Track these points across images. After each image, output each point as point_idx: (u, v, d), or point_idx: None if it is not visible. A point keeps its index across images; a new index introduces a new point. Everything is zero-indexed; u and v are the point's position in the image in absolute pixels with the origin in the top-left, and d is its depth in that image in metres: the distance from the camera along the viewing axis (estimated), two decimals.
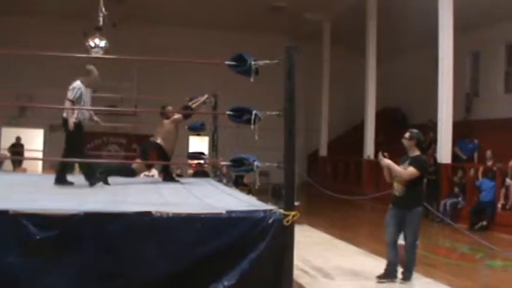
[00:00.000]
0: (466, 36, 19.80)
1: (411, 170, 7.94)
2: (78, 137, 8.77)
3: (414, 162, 8.01)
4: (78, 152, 8.77)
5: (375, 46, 22.54)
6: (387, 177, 8.36)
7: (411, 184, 8.02)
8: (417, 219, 8.07)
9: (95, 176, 8.79)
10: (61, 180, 8.63)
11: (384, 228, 8.35)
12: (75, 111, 8.54)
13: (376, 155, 8.56)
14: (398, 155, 8.34)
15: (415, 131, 8.24)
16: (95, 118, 9.64)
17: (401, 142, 8.29)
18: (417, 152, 8.13)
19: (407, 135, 8.18)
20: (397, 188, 8.16)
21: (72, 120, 8.48)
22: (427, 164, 8.90)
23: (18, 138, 23.33)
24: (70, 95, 8.54)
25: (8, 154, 21.36)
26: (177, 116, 10.31)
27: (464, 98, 21.91)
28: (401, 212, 8.05)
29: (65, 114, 8.59)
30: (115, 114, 22.75)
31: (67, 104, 8.51)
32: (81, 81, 8.74)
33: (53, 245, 4.94)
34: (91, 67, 8.96)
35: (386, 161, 8.17)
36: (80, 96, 8.58)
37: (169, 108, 10.51)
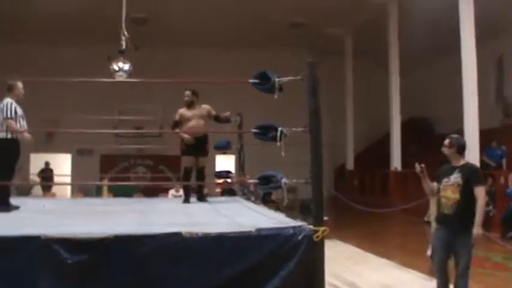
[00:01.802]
0: (489, 42, 19.68)
1: (479, 193, 6.61)
2: (12, 156, 8.25)
3: (468, 175, 6.74)
4: (10, 174, 8.24)
5: (397, 57, 22.50)
6: (428, 192, 7.33)
7: (466, 198, 6.66)
8: (472, 240, 6.64)
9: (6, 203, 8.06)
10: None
11: (432, 253, 7.16)
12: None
13: (411, 167, 7.35)
14: (430, 165, 7.60)
15: (454, 136, 7.14)
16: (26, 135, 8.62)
17: (432, 152, 7.62)
18: (463, 160, 6.96)
19: (446, 142, 7.06)
20: (446, 204, 6.88)
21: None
22: (480, 171, 7.44)
23: (47, 164, 23.57)
24: (6, 113, 8.01)
25: (38, 179, 21.58)
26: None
27: (501, 102, 21.63)
28: (452, 233, 6.75)
29: (3, 135, 8.07)
30: (141, 136, 22.95)
31: (10, 124, 8.00)
32: (10, 97, 8.22)
33: (84, 269, 4.95)
34: (12, 81, 8.33)
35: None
36: (16, 113, 8.13)
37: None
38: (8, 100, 8.18)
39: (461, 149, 6.95)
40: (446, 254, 6.81)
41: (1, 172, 8.02)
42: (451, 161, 7.00)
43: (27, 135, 8.46)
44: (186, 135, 9.91)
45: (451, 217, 6.77)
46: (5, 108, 8.07)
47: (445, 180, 6.87)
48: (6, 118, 8.02)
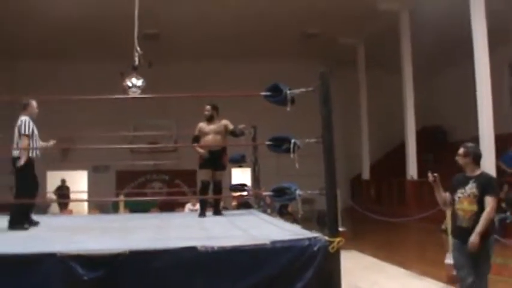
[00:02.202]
0: (502, 48, 19.62)
1: (490, 202, 6.28)
2: (30, 176, 8.33)
3: (484, 185, 6.36)
4: (30, 192, 8.31)
5: (411, 65, 22.40)
6: (441, 203, 6.85)
7: (483, 207, 6.30)
8: (491, 250, 6.42)
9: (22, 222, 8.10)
10: (17, 224, 7.99)
11: (456, 270, 6.71)
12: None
13: (427, 175, 6.78)
14: (445, 174, 7.24)
15: (470, 144, 6.69)
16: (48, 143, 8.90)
17: (447, 160, 7.18)
18: (478, 170, 6.54)
19: (461, 151, 6.62)
20: (464, 217, 6.44)
21: (24, 159, 8.11)
22: (496, 182, 7.09)
23: (63, 181, 23.65)
24: (24, 130, 8.17)
25: (54, 197, 21.68)
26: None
27: None
28: None
29: (17, 153, 8.20)
30: (156, 152, 23.02)
31: (24, 140, 8.12)
32: (26, 115, 8.37)
33: (100, 285, 4.98)
34: (28, 100, 8.51)
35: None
36: (33, 130, 8.29)
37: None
38: (24, 118, 8.32)
39: (477, 158, 6.56)
40: (471, 269, 6.32)
41: (19, 190, 8.20)
42: (465, 171, 6.58)
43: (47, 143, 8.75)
44: (201, 150, 10.03)
45: (468, 231, 6.29)
46: (22, 125, 8.21)
47: (460, 191, 6.49)
48: (23, 134, 8.15)
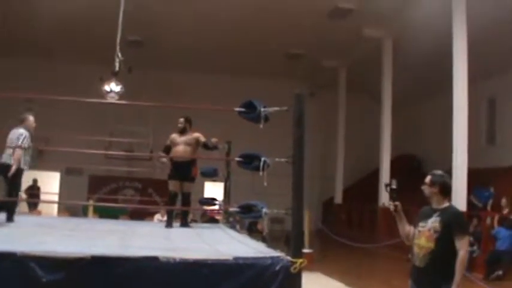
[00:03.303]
0: (482, 83, 19.83)
1: (462, 245, 5.40)
2: (19, 182, 9.30)
3: (449, 222, 5.49)
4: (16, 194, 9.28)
5: (390, 93, 22.55)
6: (403, 236, 6.01)
7: (443, 249, 5.43)
8: None
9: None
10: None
11: None
12: (22, 158, 8.97)
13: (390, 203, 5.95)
14: (413, 204, 6.64)
15: (438, 173, 5.84)
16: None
17: (415, 190, 6.31)
18: (446, 203, 5.69)
19: (427, 179, 5.78)
20: (418, 255, 5.62)
21: (15, 168, 8.85)
22: (464, 218, 6.28)
23: (35, 181, 23.44)
24: (21, 141, 8.92)
25: (25, 196, 21.46)
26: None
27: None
28: None
29: (11, 161, 8.92)
30: (131, 159, 22.91)
31: (18, 152, 8.82)
32: (24, 128, 9.15)
33: None
34: (25, 115, 9.39)
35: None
36: (29, 145, 9.03)
37: None
38: (24, 132, 9.02)
39: (445, 189, 5.72)
40: None
41: (9, 193, 9.02)
42: (431, 203, 5.76)
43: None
44: (163, 160, 10.36)
45: (422, 272, 5.56)
46: (21, 137, 8.90)
47: (421, 224, 5.68)
48: (19, 146, 8.80)
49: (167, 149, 10.41)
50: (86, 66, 23.21)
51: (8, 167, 8.80)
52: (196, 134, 10.31)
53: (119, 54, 12.79)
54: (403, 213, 5.93)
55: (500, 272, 13.97)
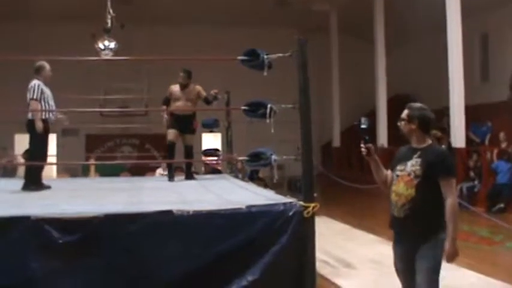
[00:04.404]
0: (474, 19, 19.67)
1: (448, 190, 4.58)
2: (45, 139, 8.57)
3: (432, 162, 4.63)
4: (44, 154, 8.62)
5: (383, 34, 22.42)
6: (379, 182, 5.22)
7: (425, 196, 4.61)
8: (439, 254, 4.61)
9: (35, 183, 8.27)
10: (31, 185, 8.18)
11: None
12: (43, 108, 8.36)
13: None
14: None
15: (416, 105, 4.95)
16: (60, 116, 9.39)
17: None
18: (428, 141, 4.81)
19: (404, 113, 4.91)
20: (396, 203, 4.81)
21: (39, 123, 8.26)
22: (450, 157, 5.03)
23: None
24: (32, 94, 8.31)
25: (23, 160, 21.40)
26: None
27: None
28: (411, 247, 4.76)
29: (30, 115, 8.34)
30: (127, 115, 22.81)
31: (33, 105, 8.27)
32: (38, 79, 8.51)
33: (75, 249, 4.95)
34: (41, 63, 8.69)
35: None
36: (42, 94, 8.39)
37: None
38: (35, 82, 8.41)
39: (425, 123, 4.82)
40: (412, 276, 4.77)
41: (33, 152, 8.50)
42: (410, 141, 4.92)
43: (60, 116, 9.22)
44: (165, 116, 10.04)
45: (402, 224, 4.80)
46: (32, 89, 8.32)
47: (399, 168, 4.85)
48: (32, 99, 8.27)
49: (166, 101, 10.24)
50: (77, 24, 22.85)
51: (30, 121, 8.29)
52: (198, 88, 10.16)
53: (111, 10, 12.65)
54: (377, 157, 5.11)
55: (502, 205, 14.12)
